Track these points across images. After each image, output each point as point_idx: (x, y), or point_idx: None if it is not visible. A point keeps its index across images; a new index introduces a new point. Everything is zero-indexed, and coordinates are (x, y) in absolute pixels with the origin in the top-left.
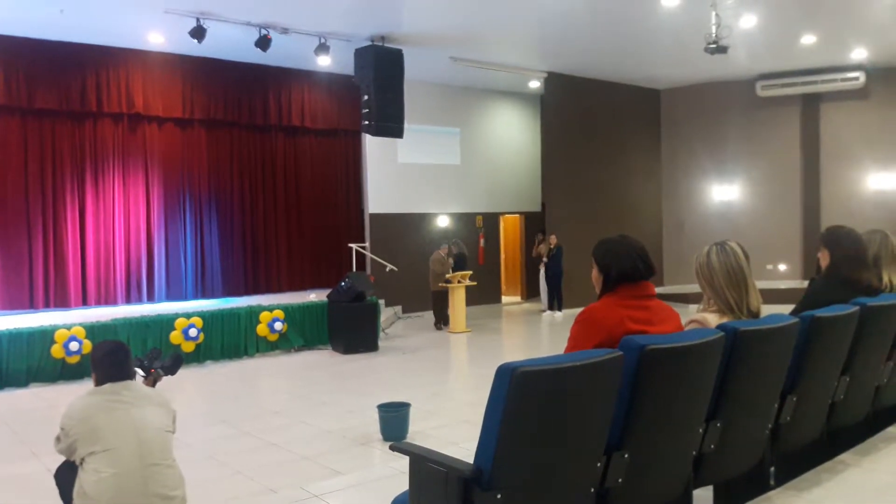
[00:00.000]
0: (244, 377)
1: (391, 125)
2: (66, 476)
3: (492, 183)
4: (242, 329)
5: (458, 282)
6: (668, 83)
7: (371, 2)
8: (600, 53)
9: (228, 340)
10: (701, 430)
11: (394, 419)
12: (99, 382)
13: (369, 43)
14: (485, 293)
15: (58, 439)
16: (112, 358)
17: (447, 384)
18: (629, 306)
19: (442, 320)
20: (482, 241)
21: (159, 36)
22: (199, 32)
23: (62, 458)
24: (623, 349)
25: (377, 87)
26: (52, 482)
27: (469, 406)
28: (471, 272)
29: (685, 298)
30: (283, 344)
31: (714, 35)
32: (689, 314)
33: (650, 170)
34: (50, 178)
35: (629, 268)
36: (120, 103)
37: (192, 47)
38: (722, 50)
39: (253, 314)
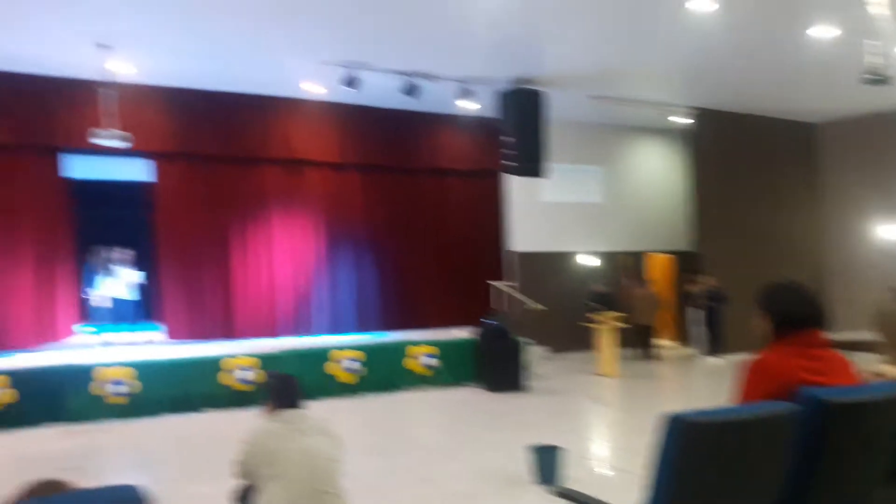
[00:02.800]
0: (396, 410)
1: (534, 165)
2: (244, 498)
3: (636, 221)
4: (396, 363)
5: (607, 324)
6: (825, 116)
7: (512, 47)
8: (750, 87)
9: (383, 373)
10: (885, 492)
11: (547, 461)
12: (274, 410)
13: (511, 86)
14: (634, 335)
15: (237, 462)
16: (287, 388)
17: (597, 428)
18: (802, 356)
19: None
20: (629, 281)
21: (317, 86)
22: (352, 82)
23: (239, 480)
24: (800, 402)
25: (519, 128)
26: (223, 502)
27: (622, 452)
28: (620, 313)
29: (853, 346)
30: (433, 380)
31: (873, 65)
32: (862, 364)
33: (809, 207)
34: (225, 218)
35: (801, 315)
36: (283, 149)
37: (347, 95)
38: (883, 81)
39: (405, 349)
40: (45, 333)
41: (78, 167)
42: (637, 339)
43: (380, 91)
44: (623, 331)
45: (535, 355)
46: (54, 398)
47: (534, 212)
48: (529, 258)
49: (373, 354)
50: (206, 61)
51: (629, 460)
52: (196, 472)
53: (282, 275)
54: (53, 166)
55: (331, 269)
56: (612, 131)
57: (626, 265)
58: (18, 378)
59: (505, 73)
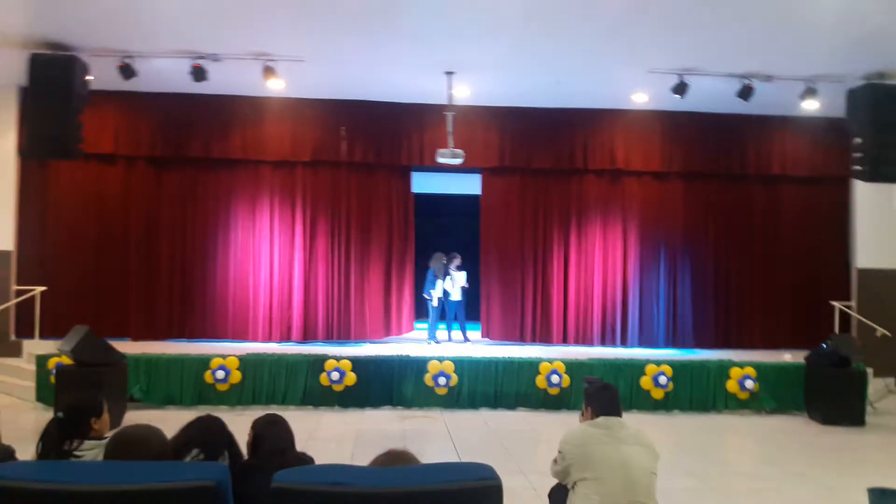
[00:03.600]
0: (711, 432)
1: (890, 169)
2: (558, 496)
3: None
4: (712, 383)
5: None
6: None
7: (867, 38)
8: None
9: (697, 393)
10: None
11: None
12: (594, 415)
13: (864, 82)
14: None
15: (555, 461)
16: (606, 395)
17: None
18: None
19: None
20: None
21: (642, 95)
22: (681, 88)
23: (548, 477)
24: None
25: (874, 128)
26: (533, 497)
27: None
28: None
29: None
30: (754, 404)
31: None
32: None
33: None
34: (541, 228)
35: None
36: (603, 160)
37: (671, 103)
38: None
39: (723, 369)
40: (390, 328)
41: (416, 181)
42: None
43: (705, 95)
44: None
45: (878, 387)
46: (388, 384)
47: (886, 222)
48: (875, 276)
49: (687, 372)
50: (535, 80)
51: None
52: (510, 465)
53: (595, 284)
54: (403, 182)
55: (646, 280)
56: None
57: None
58: (358, 364)
59: (856, 68)
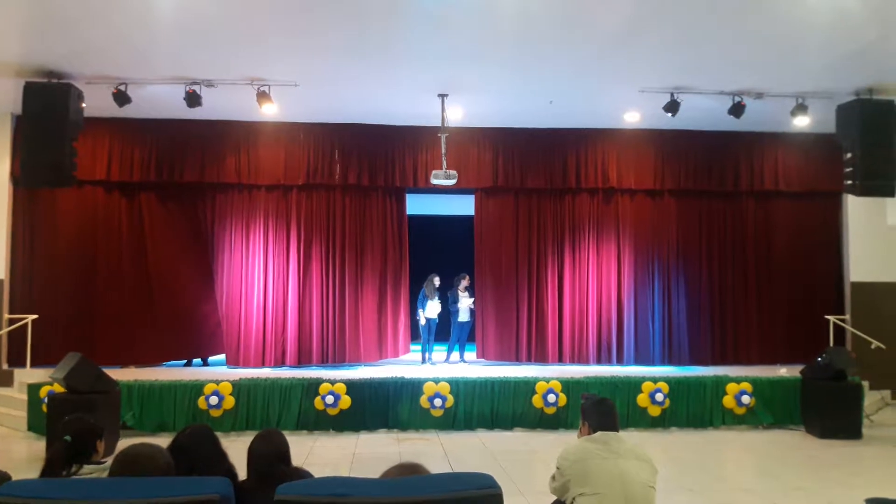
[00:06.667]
0: (709, 448)
1: (880, 183)
2: None
3: None
4: (708, 399)
5: None
6: None
7: (856, 55)
8: None
9: (693, 409)
10: None
11: None
12: (591, 430)
13: (854, 97)
14: None
15: (553, 478)
16: (603, 410)
17: None
18: None
19: None
20: None
21: (634, 114)
22: (672, 107)
23: (547, 497)
24: None
25: (864, 143)
26: None
27: None
28: None
29: None
30: (751, 419)
31: None
32: None
33: None
34: (536, 247)
35: None
36: (596, 179)
37: (663, 121)
38: None
39: (720, 384)
40: (385, 350)
41: (410, 203)
42: None
43: (697, 113)
44: None
45: (874, 400)
46: (384, 407)
47: (877, 236)
48: (868, 289)
49: (684, 388)
50: (528, 101)
51: None
52: (509, 485)
53: (590, 303)
54: (397, 204)
55: (641, 298)
56: None
57: None
58: (353, 387)
59: (846, 84)
